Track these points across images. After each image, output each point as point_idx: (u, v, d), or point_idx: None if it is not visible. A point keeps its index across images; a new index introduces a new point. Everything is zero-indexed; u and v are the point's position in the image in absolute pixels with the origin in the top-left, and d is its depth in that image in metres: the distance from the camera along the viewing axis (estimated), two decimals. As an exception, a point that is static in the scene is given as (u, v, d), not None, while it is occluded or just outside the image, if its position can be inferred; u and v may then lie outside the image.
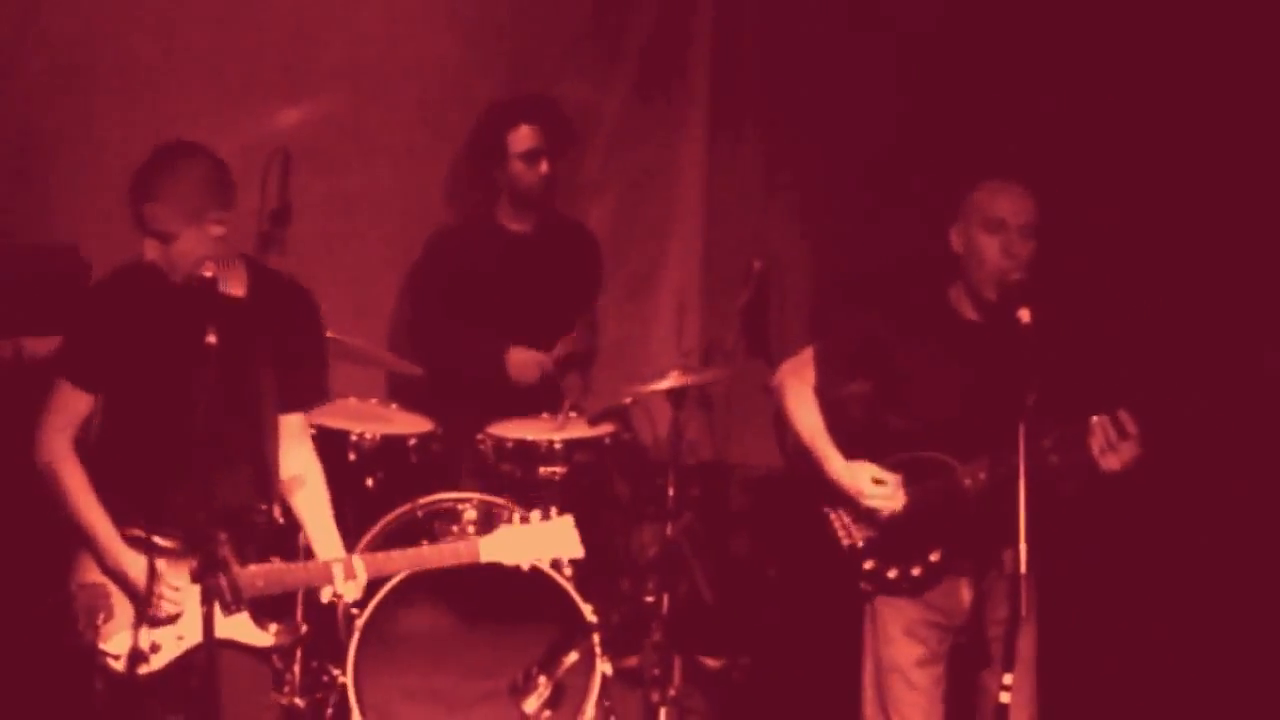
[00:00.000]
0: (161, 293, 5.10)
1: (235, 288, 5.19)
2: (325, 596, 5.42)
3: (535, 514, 5.43)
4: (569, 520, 5.45)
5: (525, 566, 5.49)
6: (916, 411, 5.54)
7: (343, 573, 5.25)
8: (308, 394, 5.42)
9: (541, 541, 5.43)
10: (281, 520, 5.42)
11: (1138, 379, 5.42)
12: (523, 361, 7.50)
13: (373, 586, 6.16)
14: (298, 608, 6.67)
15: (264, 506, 5.27)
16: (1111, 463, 5.28)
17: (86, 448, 5.23)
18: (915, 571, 5.50)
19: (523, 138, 7.57)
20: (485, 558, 5.40)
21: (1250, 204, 6.56)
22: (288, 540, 5.73)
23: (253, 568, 5.18)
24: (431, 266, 7.75)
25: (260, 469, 5.25)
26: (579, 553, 5.44)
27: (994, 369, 5.27)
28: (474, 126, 7.86)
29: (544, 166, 7.59)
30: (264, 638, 5.25)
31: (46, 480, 5.15)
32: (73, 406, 5.17)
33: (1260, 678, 6.45)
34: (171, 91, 7.49)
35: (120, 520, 5.13)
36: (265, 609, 5.25)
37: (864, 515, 5.56)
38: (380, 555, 5.43)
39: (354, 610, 6.43)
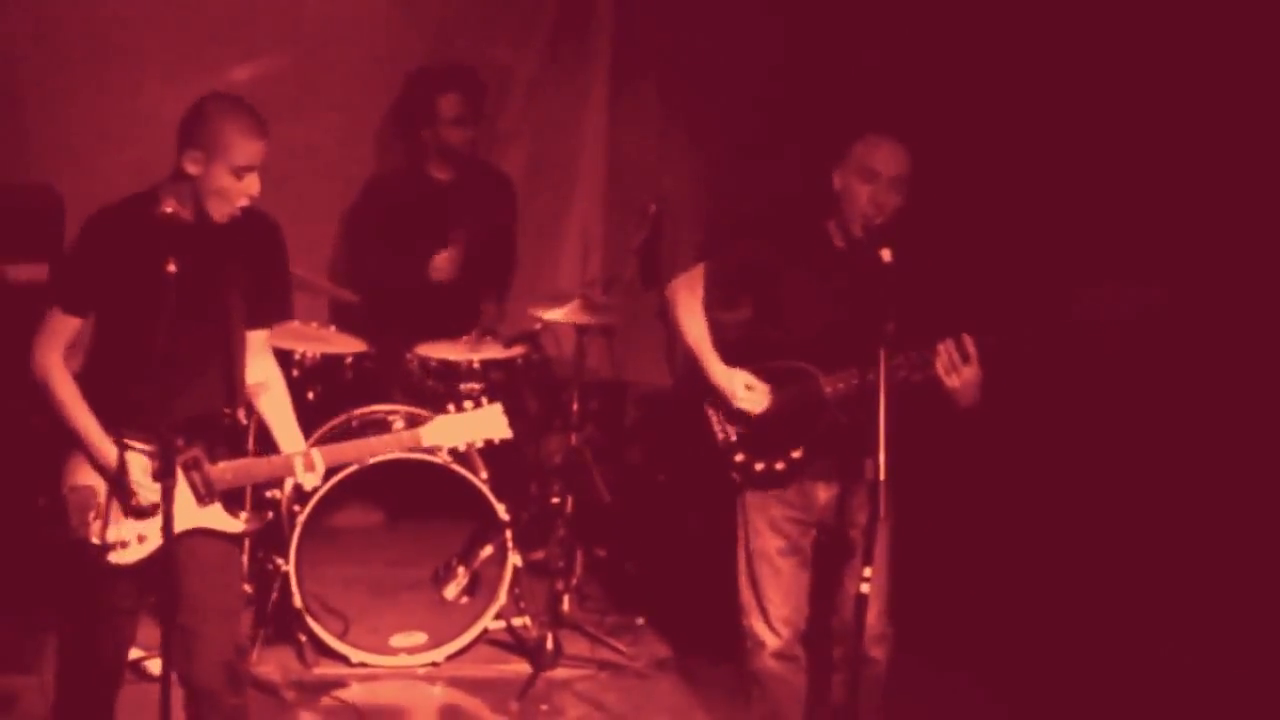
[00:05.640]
0: (147, 222, 5.16)
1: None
2: (288, 486, 5.63)
3: (469, 404, 5.58)
4: (498, 407, 5.61)
5: (463, 448, 5.69)
6: (789, 325, 5.77)
7: (302, 464, 5.38)
8: (272, 312, 5.56)
9: (475, 426, 5.58)
10: (245, 422, 5.53)
11: (980, 310, 5.63)
12: (438, 263, 7.86)
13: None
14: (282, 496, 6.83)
15: (230, 411, 5.37)
16: (954, 381, 5.54)
17: (78, 369, 5.36)
18: (779, 466, 5.77)
19: (451, 104, 7.90)
20: (427, 443, 5.55)
21: (1086, 164, 6.76)
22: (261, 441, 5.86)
23: (222, 464, 5.32)
24: (366, 208, 8.12)
25: (228, 378, 5.35)
26: (508, 434, 5.57)
27: (858, 294, 5.50)
28: (405, 89, 8.14)
29: (470, 130, 7.96)
30: (236, 524, 5.38)
31: (41, 390, 5.26)
32: (63, 329, 5.27)
33: (1099, 586, 6.80)
34: (134, 49, 7.84)
35: (108, 427, 5.25)
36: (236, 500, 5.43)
37: (736, 414, 5.81)
38: (334, 446, 5.53)
39: (296, 508, 6.75)
